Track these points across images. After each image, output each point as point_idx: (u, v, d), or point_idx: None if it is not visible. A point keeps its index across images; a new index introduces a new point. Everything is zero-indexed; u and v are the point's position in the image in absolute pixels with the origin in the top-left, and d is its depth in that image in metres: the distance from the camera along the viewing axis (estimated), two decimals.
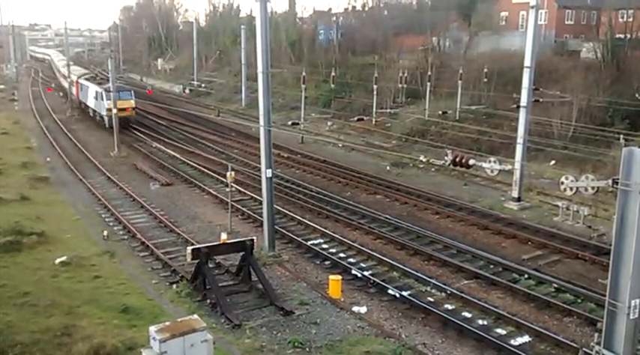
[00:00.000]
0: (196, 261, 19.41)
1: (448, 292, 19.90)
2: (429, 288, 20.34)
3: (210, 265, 20.47)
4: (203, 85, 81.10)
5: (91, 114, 56.56)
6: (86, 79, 60.14)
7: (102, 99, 50.52)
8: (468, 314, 18.48)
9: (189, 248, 19.56)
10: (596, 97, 39.36)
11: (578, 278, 21.13)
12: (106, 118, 49.37)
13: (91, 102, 55.97)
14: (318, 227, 26.33)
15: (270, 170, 22.80)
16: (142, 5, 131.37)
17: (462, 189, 33.22)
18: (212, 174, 36.34)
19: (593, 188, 25.01)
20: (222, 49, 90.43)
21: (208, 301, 18.93)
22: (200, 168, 38.15)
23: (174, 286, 20.25)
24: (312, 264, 22.66)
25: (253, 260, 20.09)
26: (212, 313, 18.24)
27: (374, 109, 49.90)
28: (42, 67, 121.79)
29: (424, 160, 32.82)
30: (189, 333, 13.03)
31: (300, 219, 27.53)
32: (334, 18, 77.88)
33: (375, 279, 20.68)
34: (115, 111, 42.76)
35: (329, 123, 52.80)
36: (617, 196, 10.98)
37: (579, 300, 19.32)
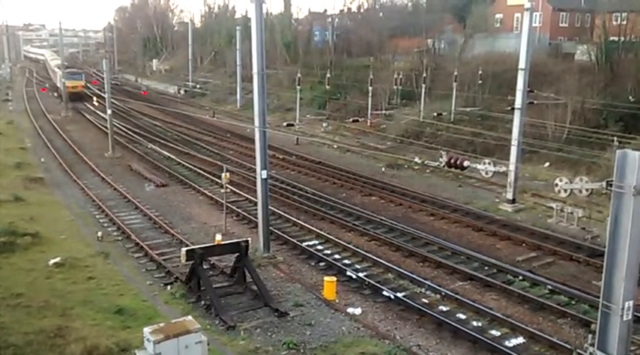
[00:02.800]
0: (191, 262, 19.39)
1: (443, 294, 19.93)
2: (423, 290, 20.36)
3: (205, 266, 20.48)
4: (198, 86, 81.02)
5: (57, 90, 74.57)
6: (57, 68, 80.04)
7: (59, 79, 70.59)
8: (462, 316, 18.50)
9: (184, 249, 19.54)
10: (590, 99, 39.51)
11: (572, 279, 21.20)
12: (63, 92, 66.69)
13: (57, 83, 77.24)
14: (313, 228, 26.33)
15: (265, 171, 22.79)
16: (137, 6, 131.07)
17: (456, 191, 33.28)
18: (207, 175, 36.29)
19: (587, 190, 25.05)
20: (218, 50, 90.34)
21: (203, 302, 18.91)
22: (195, 169, 38.10)
23: (169, 287, 20.22)
24: (307, 266, 22.65)
25: (248, 261, 20.07)
26: (206, 314, 18.22)
27: (369, 111, 49.91)
28: (36, 68, 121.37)
29: (419, 162, 32.87)
30: (183, 335, 13.05)
31: (295, 220, 27.52)
32: (329, 19, 77.91)
33: (369, 281, 20.68)
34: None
35: (324, 125, 52.78)
36: (611, 198, 11.02)
37: (573, 302, 19.38)
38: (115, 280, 20.69)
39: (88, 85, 72.70)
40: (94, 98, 64.92)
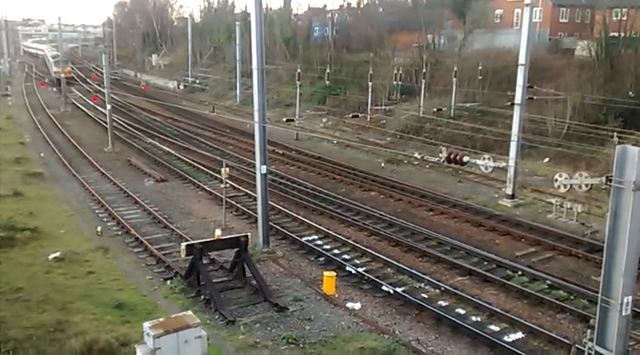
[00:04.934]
0: (190, 257, 19.40)
1: (442, 288, 19.94)
2: (423, 285, 20.38)
3: (205, 261, 20.47)
4: (197, 81, 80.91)
5: (51, 77, 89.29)
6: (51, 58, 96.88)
7: (52, 66, 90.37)
8: (461, 311, 18.52)
9: (184, 244, 19.55)
10: (590, 95, 39.49)
11: (571, 275, 21.22)
12: (54, 77, 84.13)
13: (51, 70, 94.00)
14: (312, 223, 26.33)
15: (264, 166, 22.77)
16: (136, 1, 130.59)
17: (456, 186, 33.29)
18: (206, 170, 36.28)
19: (586, 185, 25.07)
20: (217, 46, 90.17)
21: (202, 297, 18.92)
22: (194, 164, 38.08)
23: (168, 282, 20.23)
24: (306, 261, 22.66)
25: (247, 256, 20.08)
26: (206, 309, 18.24)
27: (369, 106, 49.88)
28: (36, 62, 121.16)
29: (419, 157, 32.89)
30: (183, 329, 13.05)
31: (295, 215, 27.52)
32: (329, 15, 77.75)
33: (369, 276, 20.71)
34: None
35: (324, 120, 52.78)
36: (611, 193, 11.03)
37: (572, 297, 19.40)
38: (114, 275, 20.71)
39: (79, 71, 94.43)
40: (94, 92, 64.99)
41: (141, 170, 36.94)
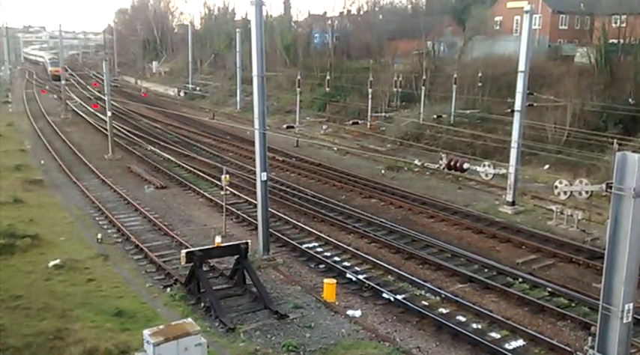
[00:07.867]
0: (190, 265, 19.38)
1: (442, 296, 19.92)
2: (423, 292, 20.35)
3: (205, 268, 20.45)
4: (198, 88, 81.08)
5: (49, 75, 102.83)
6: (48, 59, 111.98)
7: (48, 66, 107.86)
8: (462, 318, 18.49)
9: (184, 251, 19.53)
10: (589, 102, 39.54)
11: (572, 282, 21.19)
12: (50, 75, 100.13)
13: (47, 69, 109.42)
14: (312, 230, 26.31)
15: (264, 173, 22.79)
16: (136, 8, 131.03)
17: (456, 193, 33.28)
18: (207, 177, 36.28)
19: (587, 192, 25.06)
20: (217, 53, 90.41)
21: (202, 304, 18.89)
22: (195, 171, 38.09)
23: (168, 289, 20.20)
24: (306, 268, 22.63)
25: (247, 263, 20.06)
26: (206, 316, 18.20)
27: (369, 113, 49.93)
28: (36, 69, 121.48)
29: (419, 164, 32.84)
30: (183, 337, 13.04)
31: (295, 222, 27.51)
32: (329, 22, 77.93)
33: (369, 283, 20.67)
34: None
35: (324, 127, 52.83)
36: (611, 200, 11.02)
37: (573, 304, 19.37)
38: (114, 282, 20.68)
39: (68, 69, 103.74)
40: (94, 99, 65.12)
41: (141, 177, 36.94)
